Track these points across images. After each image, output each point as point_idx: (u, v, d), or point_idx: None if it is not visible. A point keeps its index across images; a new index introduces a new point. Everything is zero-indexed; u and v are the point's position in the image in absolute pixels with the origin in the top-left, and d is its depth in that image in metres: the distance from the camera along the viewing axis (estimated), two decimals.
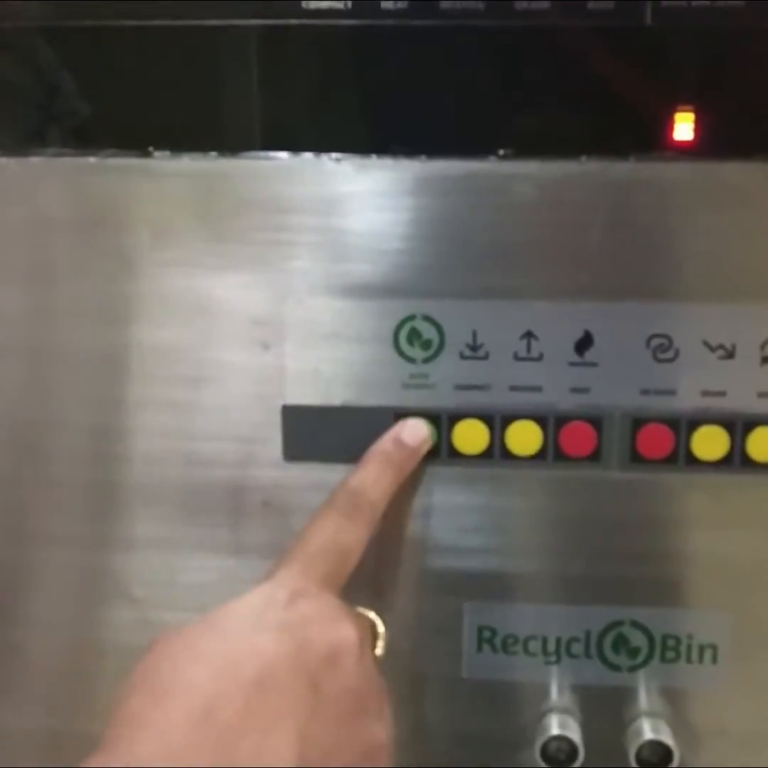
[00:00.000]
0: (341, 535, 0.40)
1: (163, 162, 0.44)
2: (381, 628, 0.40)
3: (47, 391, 0.47)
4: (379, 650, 0.39)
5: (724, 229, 0.43)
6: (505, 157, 0.44)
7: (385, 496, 0.42)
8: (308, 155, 0.44)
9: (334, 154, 0.44)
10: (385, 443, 0.44)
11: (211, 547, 0.49)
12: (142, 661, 0.34)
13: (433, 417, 0.46)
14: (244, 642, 0.34)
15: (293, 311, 0.45)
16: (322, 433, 0.46)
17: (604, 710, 0.49)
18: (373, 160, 0.44)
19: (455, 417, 0.46)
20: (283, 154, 0.44)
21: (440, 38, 0.43)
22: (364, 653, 0.36)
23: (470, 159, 0.44)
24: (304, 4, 0.43)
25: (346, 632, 0.36)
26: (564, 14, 0.42)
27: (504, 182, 0.44)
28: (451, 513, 0.47)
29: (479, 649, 0.48)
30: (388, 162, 0.44)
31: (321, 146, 0.44)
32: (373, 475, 0.43)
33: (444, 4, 0.42)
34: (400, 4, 0.42)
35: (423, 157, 0.44)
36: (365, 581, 0.45)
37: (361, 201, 0.44)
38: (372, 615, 0.40)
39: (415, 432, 0.44)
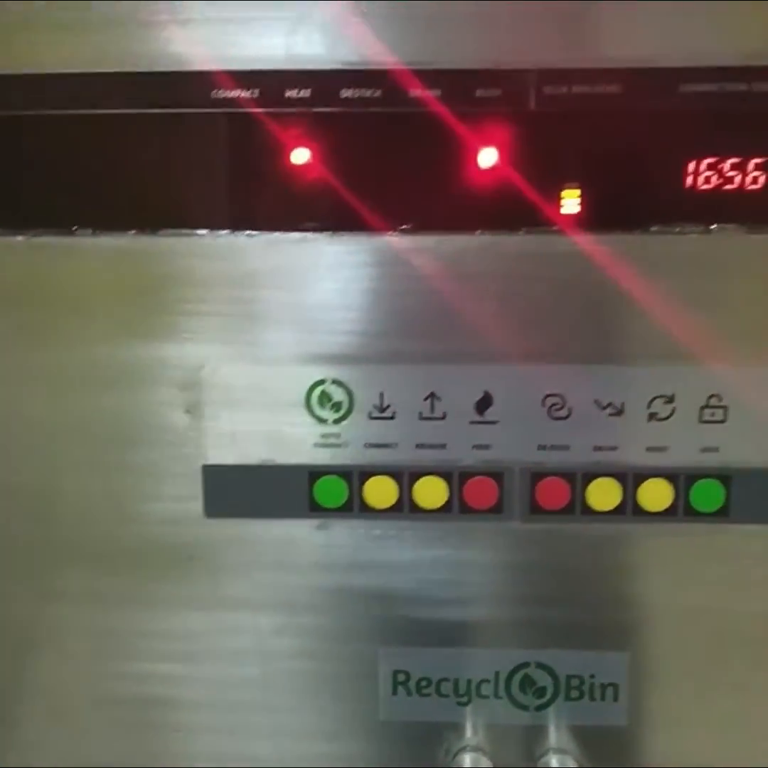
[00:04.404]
0: None
1: (85, 240, 0.47)
2: None
3: None
4: None
5: (609, 296, 0.47)
6: (406, 232, 0.47)
7: None
8: (224, 232, 0.47)
9: (246, 231, 0.47)
10: None
11: (141, 600, 0.51)
12: None
13: (345, 474, 0.49)
14: None
15: (211, 377, 0.48)
16: (240, 491, 0.49)
17: (515, 747, 0.52)
18: (284, 236, 0.47)
19: (365, 474, 0.49)
20: (202, 231, 0.47)
21: (343, 123, 0.46)
22: None
23: (374, 234, 0.47)
24: (213, 94, 0.45)
25: None
26: (454, 101, 0.45)
27: (406, 255, 0.47)
28: (363, 564, 0.50)
29: (394, 692, 0.51)
30: (297, 237, 0.47)
31: (235, 223, 0.47)
32: None
33: (345, 92, 0.45)
34: (303, 93, 0.45)
35: (329, 232, 0.47)
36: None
37: (272, 275, 0.47)
38: None
39: None
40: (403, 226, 0.47)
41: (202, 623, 0.51)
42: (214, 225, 0.47)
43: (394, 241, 0.47)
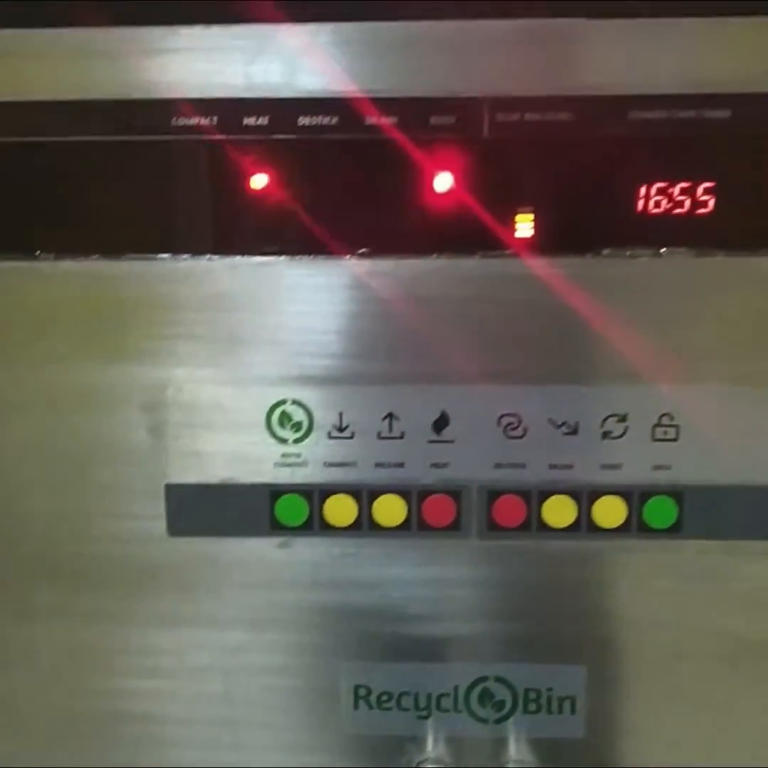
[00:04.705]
0: None
1: (48, 264, 0.48)
2: None
3: None
4: None
5: (563, 318, 0.48)
6: (364, 256, 0.48)
7: None
8: (185, 256, 0.48)
9: (207, 255, 0.48)
10: None
11: (107, 618, 0.52)
12: None
13: (305, 492, 0.50)
14: None
15: (173, 398, 0.49)
16: (203, 510, 0.50)
17: (476, 759, 0.53)
18: (244, 260, 0.48)
19: (325, 492, 0.50)
20: (164, 256, 0.48)
21: (301, 150, 0.47)
22: None
23: (333, 257, 0.48)
24: (174, 121, 0.46)
25: None
26: (409, 128, 0.46)
27: (364, 278, 0.48)
28: (324, 581, 0.51)
29: (356, 706, 0.52)
30: (257, 261, 0.48)
31: (196, 248, 0.48)
32: None
33: (302, 120, 0.47)
34: (261, 120, 0.47)
35: (289, 256, 0.48)
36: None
37: (233, 298, 0.48)
38: None
39: None
40: (362, 250, 0.48)
41: (167, 640, 0.52)
42: (175, 249, 0.48)
43: (353, 264, 0.48)
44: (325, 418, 0.49)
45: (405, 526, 0.50)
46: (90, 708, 0.53)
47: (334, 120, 0.46)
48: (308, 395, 0.49)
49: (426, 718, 0.52)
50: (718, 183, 0.47)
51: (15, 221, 0.48)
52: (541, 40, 0.46)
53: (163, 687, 0.52)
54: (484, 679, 0.52)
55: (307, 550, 0.51)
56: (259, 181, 0.47)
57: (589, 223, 0.48)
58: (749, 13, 0.45)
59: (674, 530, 0.50)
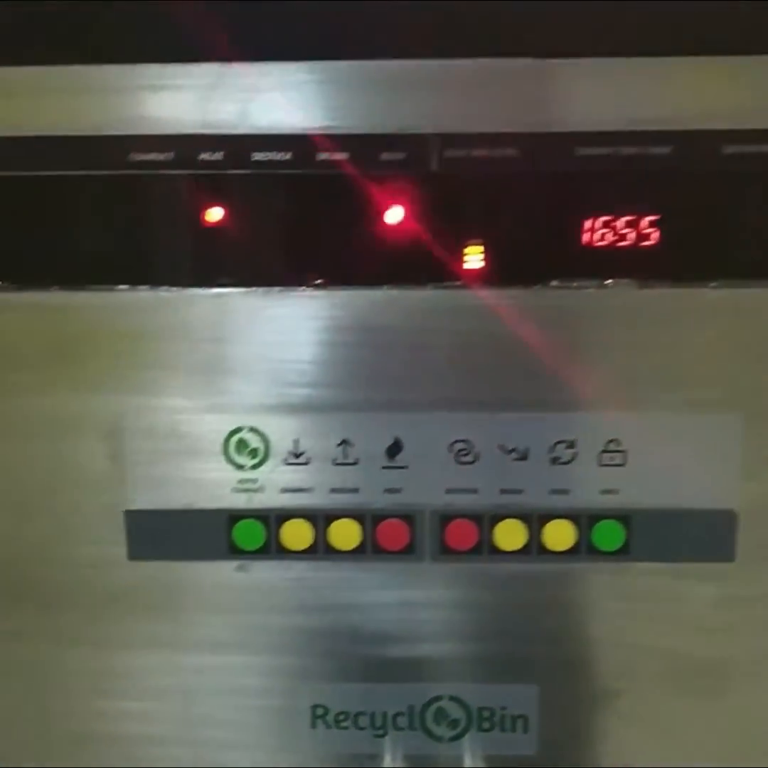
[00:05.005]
0: None
1: (8, 295, 0.49)
2: None
3: None
4: None
5: (512, 347, 0.49)
6: (318, 287, 0.49)
7: None
8: (143, 288, 0.49)
9: (164, 287, 0.49)
10: None
11: (68, 641, 0.53)
12: None
13: (262, 517, 0.51)
14: None
15: (133, 426, 0.50)
16: (162, 534, 0.51)
17: None
18: (200, 291, 0.49)
19: (282, 517, 0.51)
20: (122, 287, 0.50)
21: (255, 184, 0.48)
22: None
23: (288, 288, 0.49)
24: (130, 157, 0.48)
25: None
26: (361, 163, 0.48)
27: (319, 308, 0.50)
28: (281, 604, 0.52)
29: (313, 726, 0.54)
30: (213, 293, 0.49)
31: (153, 280, 0.49)
32: None
33: (256, 155, 0.48)
34: (216, 155, 0.48)
35: (244, 288, 0.49)
36: None
37: (190, 328, 0.50)
38: None
39: None
40: (316, 282, 0.49)
41: (128, 662, 0.53)
42: (133, 281, 0.49)
43: (308, 295, 0.49)
44: (281, 444, 0.50)
45: (360, 549, 0.51)
46: (51, 730, 0.54)
47: (288, 156, 0.48)
48: (264, 422, 0.50)
49: (382, 736, 0.53)
50: (661, 216, 0.48)
51: None
52: (488, 79, 0.47)
53: (124, 708, 0.53)
54: (438, 698, 0.53)
55: (264, 573, 0.52)
56: (214, 214, 0.48)
57: (536, 256, 0.49)
58: (689, 54, 0.46)
59: (622, 553, 0.51)
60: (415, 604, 0.52)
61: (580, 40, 0.47)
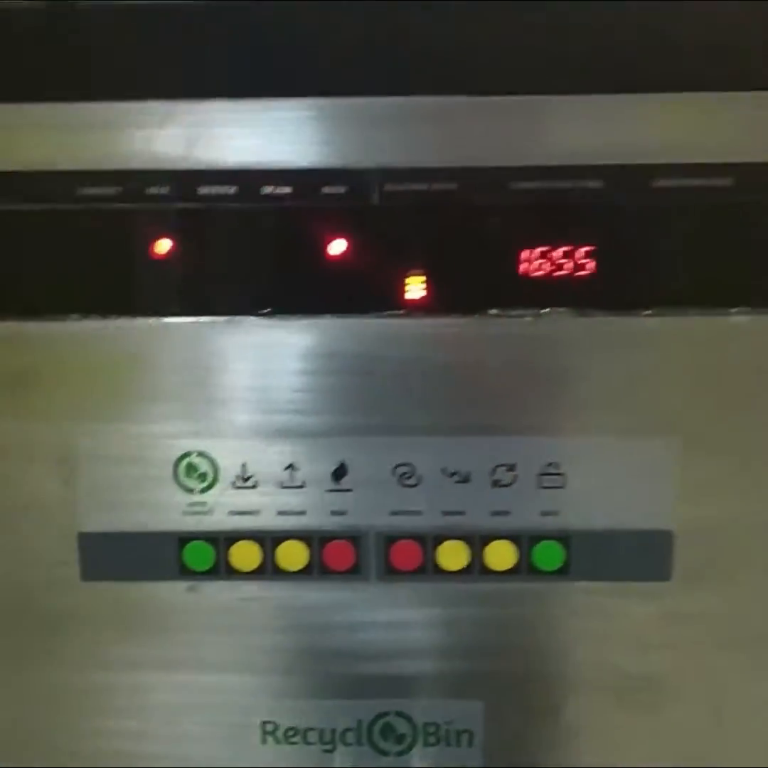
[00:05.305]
0: None
1: None
2: None
3: None
4: None
5: (453, 373, 0.51)
6: (267, 315, 0.51)
7: None
8: (93, 318, 0.51)
9: (113, 317, 0.51)
10: None
11: (27, 658, 0.55)
12: None
13: (212, 539, 0.53)
14: None
15: (87, 451, 0.52)
16: (114, 556, 0.53)
17: None
18: (148, 321, 0.51)
19: (230, 539, 0.53)
20: (74, 316, 0.51)
21: (202, 218, 0.50)
22: None
23: (234, 318, 0.51)
24: (79, 191, 0.49)
25: None
26: (303, 197, 0.49)
27: (266, 336, 0.51)
28: (231, 623, 0.54)
29: (264, 741, 0.55)
30: (161, 322, 0.51)
31: (104, 310, 0.51)
32: None
33: (202, 189, 0.49)
34: (162, 190, 0.49)
35: (192, 317, 0.51)
36: None
37: (140, 356, 0.51)
38: None
39: None
40: (263, 312, 0.50)
41: (81, 681, 0.54)
42: (84, 311, 0.51)
43: (254, 323, 0.51)
44: (229, 469, 0.52)
45: (307, 570, 0.53)
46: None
47: (233, 190, 0.49)
48: (212, 447, 0.52)
49: (331, 751, 0.55)
50: (596, 247, 0.50)
51: None
52: (427, 115, 0.48)
53: (78, 726, 0.55)
54: (385, 714, 0.55)
55: (214, 593, 0.53)
56: (162, 246, 0.50)
57: (475, 285, 0.50)
58: (619, 91, 0.48)
59: (562, 572, 0.53)
60: (362, 623, 0.54)
61: (513, 78, 0.48)
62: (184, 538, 0.53)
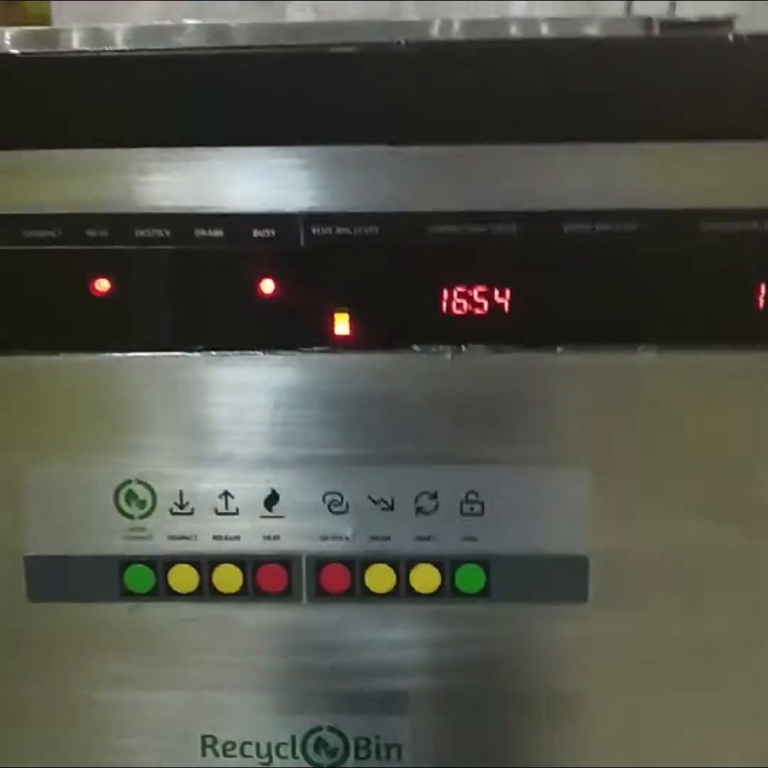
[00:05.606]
0: None
1: None
2: None
3: None
4: None
5: (377, 405, 0.54)
6: (199, 351, 0.54)
7: None
8: (36, 353, 0.54)
9: (54, 352, 0.54)
10: None
11: None
12: None
13: (151, 563, 0.56)
14: None
15: (32, 478, 0.55)
16: (59, 578, 0.56)
17: None
18: (87, 357, 0.54)
19: (169, 563, 0.56)
20: (20, 353, 0.54)
21: (139, 259, 0.53)
22: None
23: (170, 353, 0.54)
24: (24, 233, 0.53)
25: None
26: (234, 240, 0.52)
27: (200, 370, 0.54)
28: (170, 643, 0.57)
29: (203, 754, 0.58)
30: (99, 358, 0.54)
31: (49, 346, 0.54)
32: None
33: (139, 232, 0.53)
34: (102, 232, 0.53)
35: (130, 352, 0.54)
36: None
37: (78, 390, 0.54)
38: None
39: None
40: (198, 347, 0.54)
41: (28, 698, 0.57)
42: (27, 348, 0.54)
43: (187, 358, 0.54)
44: (167, 496, 0.55)
45: (242, 592, 0.56)
46: None
47: (168, 233, 0.52)
48: (151, 475, 0.55)
49: (267, 764, 0.58)
50: (512, 287, 0.53)
51: None
52: (349, 163, 0.52)
53: (24, 741, 0.58)
54: (318, 729, 0.58)
55: (154, 614, 0.56)
56: (101, 285, 0.53)
57: (398, 323, 0.54)
58: (529, 142, 0.51)
59: (483, 595, 0.56)
60: (295, 643, 0.57)
61: (431, 129, 0.51)
62: (124, 562, 0.56)
